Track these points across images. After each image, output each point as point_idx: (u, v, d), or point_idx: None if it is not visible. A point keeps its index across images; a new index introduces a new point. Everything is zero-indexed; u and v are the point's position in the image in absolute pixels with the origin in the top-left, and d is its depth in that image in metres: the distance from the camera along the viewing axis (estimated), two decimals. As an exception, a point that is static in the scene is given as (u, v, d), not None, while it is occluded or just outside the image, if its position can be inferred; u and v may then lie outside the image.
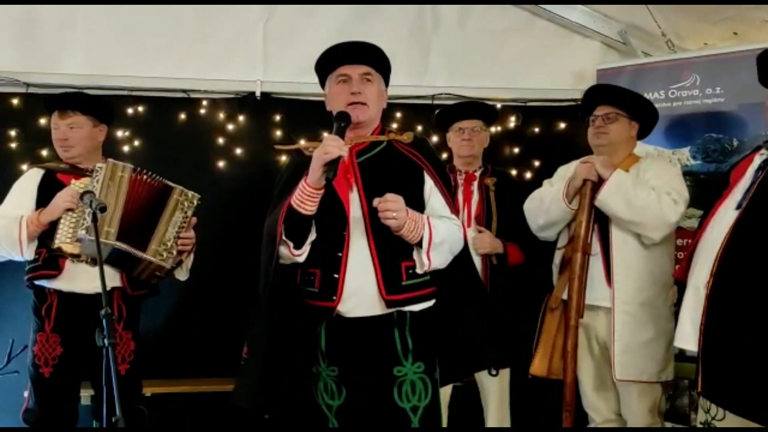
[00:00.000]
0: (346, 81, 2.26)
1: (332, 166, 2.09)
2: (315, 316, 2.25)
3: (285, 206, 2.16)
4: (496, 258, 3.07)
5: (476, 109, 3.29)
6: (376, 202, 2.14)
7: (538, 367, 2.80)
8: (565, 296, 2.81)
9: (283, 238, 2.16)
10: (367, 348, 2.20)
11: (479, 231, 3.08)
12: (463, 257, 2.34)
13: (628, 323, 2.71)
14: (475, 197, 3.16)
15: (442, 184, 2.31)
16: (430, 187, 2.28)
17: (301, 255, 2.21)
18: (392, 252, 2.19)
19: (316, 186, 2.12)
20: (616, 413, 2.87)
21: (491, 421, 3.20)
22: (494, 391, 3.16)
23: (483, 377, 3.13)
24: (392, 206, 2.13)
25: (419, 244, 2.19)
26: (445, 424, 2.94)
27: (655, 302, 2.74)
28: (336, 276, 2.19)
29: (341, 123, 2.19)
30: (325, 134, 2.20)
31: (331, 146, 2.08)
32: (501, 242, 3.08)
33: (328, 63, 2.32)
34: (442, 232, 2.22)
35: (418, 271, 2.23)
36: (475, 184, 3.19)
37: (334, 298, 2.19)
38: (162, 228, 2.72)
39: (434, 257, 2.21)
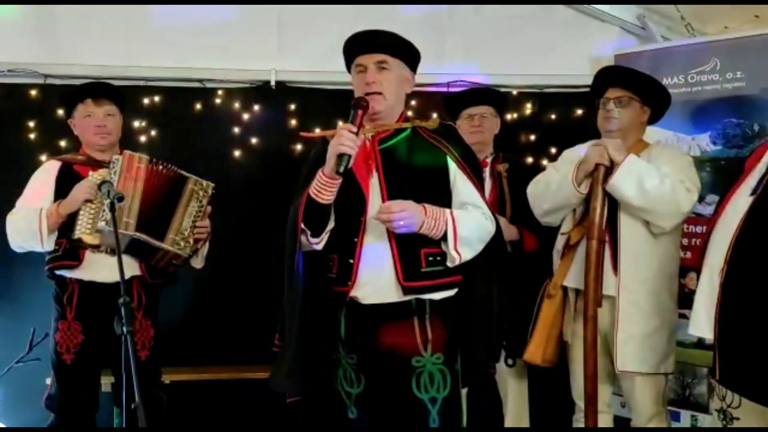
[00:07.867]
0: (363, 71, 2.26)
1: (342, 159, 2.10)
2: (335, 302, 2.26)
3: (305, 195, 2.19)
4: (511, 245, 3.03)
5: (486, 95, 3.25)
6: (377, 213, 2.12)
7: (532, 354, 2.71)
8: (565, 283, 2.72)
9: (302, 226, 2.18)
10: (385, 337, 2.20)
11: None
12: (492, 247, 2.29)
13: (632, 313, 2.60)
14: (488, 184, 3.11)
15: (469, 171, 2.27)
16: (454, 173, 2.25)
17: (319, 243, 2.23)
18: (412, 238, 2.18)
19: (331, 176, 2.14)
20: (607, 405, 2.77)
21: (509, 413, 3.17)
22: (512, 380, 3.14)
23: (501, 367, 3.08)
24: (399, 215, 2.10)
25: (444, 238, 2.18)
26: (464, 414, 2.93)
27: (660, 292, 2.63)
28: (351, 261, 2.21)
29: (357, 110, 2.18)
30: (340, 123, 2.19)
31: (346, 140, 2.09)
32: (516, 229, 3.05)
33: (347, 54, 2.32)
34: (469, 225, 2.20)
35: (449, 264, 2.22)
36: (487, 170, 3.15)
37: (349, 283, 2.20)
38: (178, 217, 2.76)
39: (463, 251, 2.20)
